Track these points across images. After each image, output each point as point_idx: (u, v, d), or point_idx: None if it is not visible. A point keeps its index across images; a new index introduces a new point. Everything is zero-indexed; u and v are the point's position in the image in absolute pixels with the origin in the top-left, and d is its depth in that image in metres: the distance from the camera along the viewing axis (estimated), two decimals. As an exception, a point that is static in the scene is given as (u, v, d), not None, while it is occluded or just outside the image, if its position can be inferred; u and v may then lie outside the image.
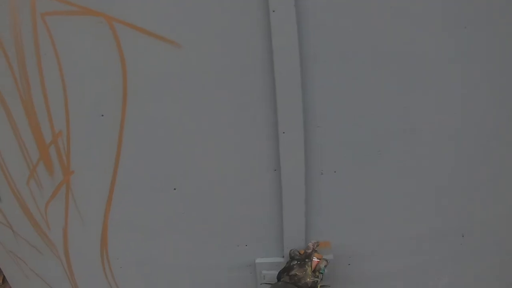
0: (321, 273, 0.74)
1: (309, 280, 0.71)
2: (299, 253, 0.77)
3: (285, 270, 0.75)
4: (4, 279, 1.81)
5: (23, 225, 1.17)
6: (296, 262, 0.75)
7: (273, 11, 0.66)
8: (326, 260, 0.77)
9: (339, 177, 0.72)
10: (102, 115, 0.79)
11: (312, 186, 0.73)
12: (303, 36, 0.67)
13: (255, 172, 0.73)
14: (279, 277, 0.75)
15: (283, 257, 0.84)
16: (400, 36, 0.67)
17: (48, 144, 0.93)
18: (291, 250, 0.78)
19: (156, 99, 0.74)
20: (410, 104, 0.73)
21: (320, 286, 0.74)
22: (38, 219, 1.10)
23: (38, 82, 0.91)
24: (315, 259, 0.75)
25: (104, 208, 0.86)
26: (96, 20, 0.77)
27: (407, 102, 0.72)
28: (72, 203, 0.94)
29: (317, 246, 0.78)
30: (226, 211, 0.81)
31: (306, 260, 0.75)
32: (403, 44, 0.67)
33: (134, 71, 0.75)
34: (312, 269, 0.74)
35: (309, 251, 0.76)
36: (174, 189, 0.78)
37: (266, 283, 0.81)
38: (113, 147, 0.80)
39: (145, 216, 0.87)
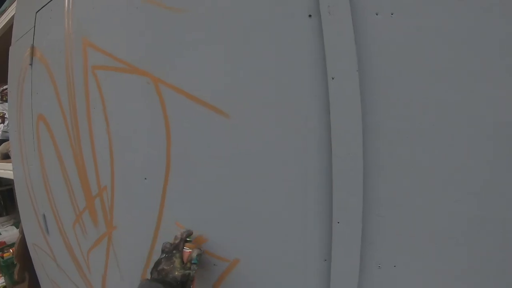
0: (194, 263, 0.63)
1: (177, 273, 0.61)
2: (170, 245, 0.66)
3: (154, 266, 0.64)
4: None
5: (66, 261, 1.19)
6: (164, 255, 0.65)
7: (332, 79, 0.58)
8: (200, 249, 0.66)
9: (400, 272, 0.59)
10: (145, 179, 0.76)
11: (366, 280, 0.61)
12: (365, 107, 0.57)
13: (302, 260, 0.63)
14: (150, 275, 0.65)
15: None
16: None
17: (94, 196, 0.92)
18: (163, 243, 0.67)
19: (199, 168, 0.68)
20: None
21: None
22: (80, 260, 1.11)
23: (87, 134, 0.92)
24: (186, 250, 0.65)
25: (142, 268, 0.82)
26: (143, 80, 0.75)
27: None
28: (112, 255, 0.92)
29: (187, 235, 0.67)
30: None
31: (174, 251, 0.64)
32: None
33: (179, 137, 0.70)
34: (184, 261, 0.64)
35: (177, 241, 0.66)
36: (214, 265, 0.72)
37: None
38: (155, 210, 0.76)
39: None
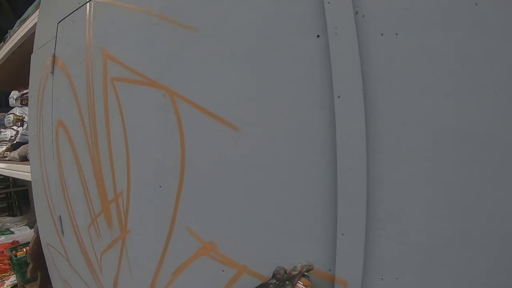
0: None
1: None
2: (284, 272, 0.63)
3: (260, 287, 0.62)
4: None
5: (79, 262, 1.24)
6: (274, 281, 0.62)
7: (338, 97, 0.61)
8: None
9: (402, 284, 0.61)
10: (160, 186, 0.80)
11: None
12: (369, 124, 0.59)
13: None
14: None
15: None
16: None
17: (110, 201, 0.97)
18: (277, 267, 0.64)
19: (211, 179, 0.72)
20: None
21: None
22: (93, 261, 1.15)
23: (105, 142, 0.97)
24: (299, 285, 0.61)
25: (153, 274, 0.86)
26: (160, 93, 0.79)
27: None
28: (125, 258, 0.96)
29: (308, 270, 0.63)
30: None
31: (287, 282, 0.61)
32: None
33: (193, 149, 0.74)
34: None
35: (295, 273, 0.62)
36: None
37: None
38: (168, 217, 0.79)
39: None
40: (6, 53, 2.05)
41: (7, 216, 3.28)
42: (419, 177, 0.58)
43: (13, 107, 2.25)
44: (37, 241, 1.68)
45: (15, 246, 2.32)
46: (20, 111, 2.14)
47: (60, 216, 1.31)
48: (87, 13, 1.08)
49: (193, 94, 0.74)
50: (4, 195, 3.47)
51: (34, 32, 1.52)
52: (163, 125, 0.79)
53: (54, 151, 1.26)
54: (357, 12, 0.59)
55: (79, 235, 1.21)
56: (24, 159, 1.84)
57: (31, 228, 2.77)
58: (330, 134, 0.62)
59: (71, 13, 1.19)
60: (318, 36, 0.63)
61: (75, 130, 1.12)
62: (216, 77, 0.71)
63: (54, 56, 1.26)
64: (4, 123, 2.29)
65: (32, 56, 1.49)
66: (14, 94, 2.18)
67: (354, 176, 0.60)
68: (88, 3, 1.08)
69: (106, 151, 0.96)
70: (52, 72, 1.27)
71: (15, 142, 2.06)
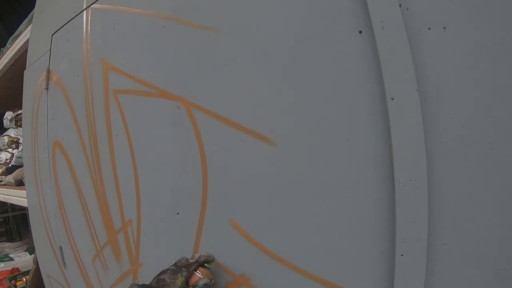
0: None
1: None
2: (186, 261, 0.61)
3: (159, 273, 0.60)
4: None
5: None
6: (173, 267, 0.60)
7: (392, 99, 0.51)
8: (211, 280, 0.59)
9: None
10: (178, 213, 0.68)
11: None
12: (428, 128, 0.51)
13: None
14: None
15: None
16: None
17: (117, 230, 0.85)
18: (181, 256, 0.63)
19: (241, 205, 0.60)
20: None
21: None
22: (101, 297, 1.02)
23: (109, 163, 0.85)
24: (197, 273, 0.59)
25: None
26: (173, 105, 0.68)
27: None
28: (138, 296, 0.83)
29: (206, 260, 0.61)
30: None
31: (183, 269, 0.59)
32: None
33: (215, 167, 0.62)
34: (188, 283, 0.58)
35: (192, 261, 0.60)
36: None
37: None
38: (189, 248, 0.68)
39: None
40: (-2, 72, 1.95)
41: (5, 241, 3.15)
42: (484, 187, 0.50)
43: (7, 129, 2.14)
44: (37, 272, 1.55)
45: (15, 275, 2.19)
46: (15, 133, 2.03)
47: (61, 247, 1.18)
48: (84, 21, 0.98)
49: (213, 104, 0.63)
50: (2, 220, 3.33)
51: (27, 48, 1.42)
52: (178, 141, 0.68)
53: (51, 174, 1.14)
54: (400, 5, 0.52)
55: (83, 268, 1.08)
56: (20, 183, 1.71)
57: (31, 254, 2.63)
58: (383, 142, 0.51)
59: (66, 23, 1.09)
60: (360, 32, 0.54)
61: (73, 151, 1.00)
62: (242, 84, 0.60)
63: (48, 71, 1.16)
64: (-1, 146, 2.18)
65: (25, 72, 1.39)
66: (8, 115, 2.08)
67: (414, 188, 0.50)
68: (85, 11, 0.98)
69: (110, 173, 0.85)
70: (47, 88, 1.16)
71: (10, 165, 1.94)
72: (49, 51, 1.16)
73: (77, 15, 1.02)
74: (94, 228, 0.95)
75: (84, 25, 0.98)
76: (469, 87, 0.49)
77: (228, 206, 0.63)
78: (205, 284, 0.58)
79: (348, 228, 0.54)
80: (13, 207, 3.30)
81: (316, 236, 0.56)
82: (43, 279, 1.48)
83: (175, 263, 0.62)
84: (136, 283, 0.63)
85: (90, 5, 0.95)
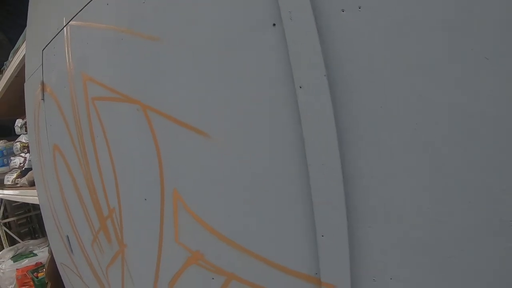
0: None
1: None
2: None
3: None
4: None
5: (89, 278, 1.28)
6: None
7: (300, 87, 0.58)
8: None
9: (396, 284, 0.56)
10: (145, 199, 0.81)
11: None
12: (338, 113, 0.54)
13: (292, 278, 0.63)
14: None
15: None
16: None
17: (105, 217, 0.99)
18: None
19: (193, 191, 0.72)
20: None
21: None
22: (101, 277, 1.19)
23: (94, 161, 0.99)
24: None
25: (152, 285, 0.87)
26: (134, 108, 0.80)
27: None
28: (126, 272, 0.98)
29: None
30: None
31: None
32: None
33: (169, 161, 0.74)
34: None
35: None
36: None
37: None
38: (156, 228, 0.81)
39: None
40: (5, 84, 2.13)
41: (30, 239, 3.42)
42: (402, 168, 0.51)
43: (19, 135, 2.33)
44: (52, 261, 1.74)
45: (37, 267, 2.42)
46: (26, 138, 2.22)
47: (68, 236, 1.35)
48: (65, 37, 1.11)
49: (163, 105, 0.75)
50: (24, 220, 3.60)
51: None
52: (139, 139, 0.80)
53: (54, 174, 1.30)
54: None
55: (86, 252, 1.25)
56: (32, 184, 1.90)
57: (52, 248, 2.87)
58: (298, 131, 0.58)
59: (52, 39, 1.22)
60: (274, 25, 0.57)
61: (68, 153, 1.15)
62: (183, 85, 0.71)
63: (43, 83, 1.30)
64: (13, 151, 2.38)
65: (25, 85, 1.54)
66: (18, 122, 2.26)
67: (328, 172, 0.55)
68: (65, 28, 1.11)
69: (96, 170, 0.99)
70: (43, 99, 1.30)
71: (23, 168, 2.14)
72: (41, 65, 1.30)
73: (59, 32, 1.15)
74: (90, 217, 1.10)
75: (65, 41, 1.10)
76: (387, 67, 0.48)
77: (181, 193, 0.75)
78: None
79: (272, 209, 0.62)
80: (34, 206, 3.56)
81: (251, 217, 0.66)
82: (57, 266, 1.68)
83: None
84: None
85: (68, 22, 1.07)
